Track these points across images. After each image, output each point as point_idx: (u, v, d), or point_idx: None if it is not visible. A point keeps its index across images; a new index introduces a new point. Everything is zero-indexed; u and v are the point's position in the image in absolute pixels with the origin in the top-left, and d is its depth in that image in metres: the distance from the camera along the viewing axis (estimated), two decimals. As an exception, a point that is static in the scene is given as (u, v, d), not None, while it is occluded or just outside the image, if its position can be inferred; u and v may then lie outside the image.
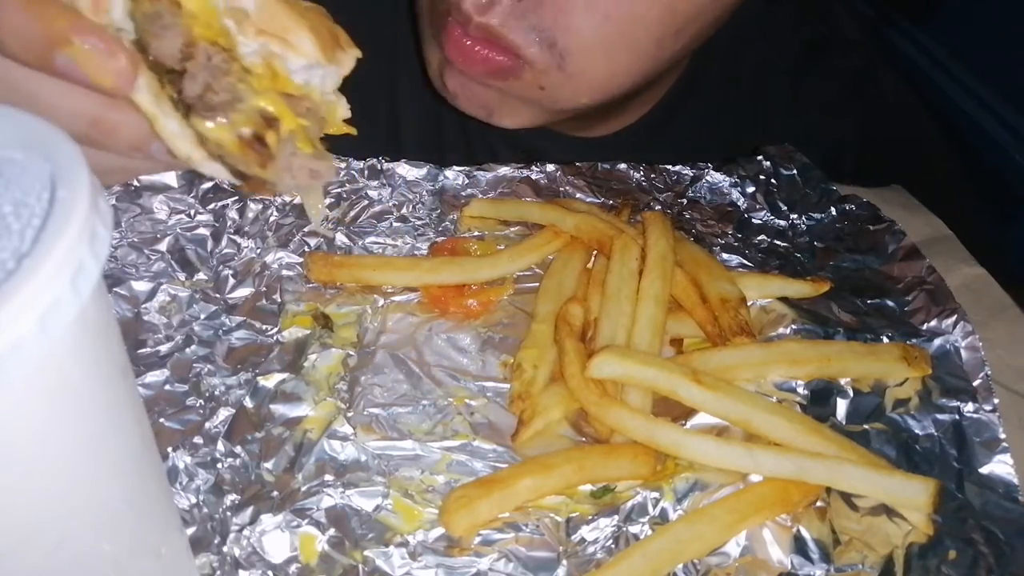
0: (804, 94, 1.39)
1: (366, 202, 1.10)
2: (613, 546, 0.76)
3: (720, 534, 0.76)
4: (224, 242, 1.02)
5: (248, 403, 0.85)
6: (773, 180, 1.19)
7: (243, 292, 0.98)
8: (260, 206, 1.07)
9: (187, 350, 0.90)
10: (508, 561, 0.74)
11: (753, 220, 1.15)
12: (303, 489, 0.78)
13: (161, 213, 1.03)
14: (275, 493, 0.78)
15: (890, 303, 1.01)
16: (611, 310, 0.92)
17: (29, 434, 0.44)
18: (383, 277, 1.00)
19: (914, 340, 0.95)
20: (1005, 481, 0.81)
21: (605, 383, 0.85)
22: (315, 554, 0.74)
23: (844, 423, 0.88)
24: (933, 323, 0.97)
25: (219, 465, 0.80)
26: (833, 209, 1.15)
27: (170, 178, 1.05)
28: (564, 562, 0.75)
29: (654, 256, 0.95)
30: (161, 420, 0.82)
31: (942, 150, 1.46)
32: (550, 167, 1.17)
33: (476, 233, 1.09)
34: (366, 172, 1.13)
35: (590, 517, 0.78)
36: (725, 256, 1.08)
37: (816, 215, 1.15)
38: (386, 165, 1.13)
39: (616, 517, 0.78)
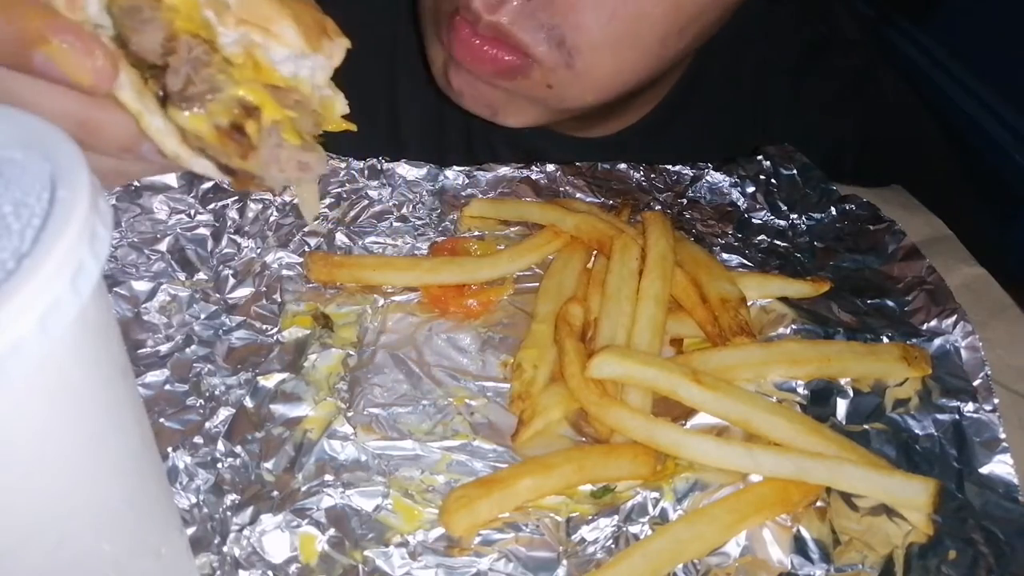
0: (804, 94, 1.40)
1: (366, 202, 1.10)
2: (613, 546, 0.76)
3: (720, 534, 0.76)
4: (224, 242, 1.02)
5: (248, 403, 0.85)
6: (773, 180, 1.19)
7: (243, 292, 0.98)
8: (260, 206, 1.07)
9: (187, 350, 0.90)
10: (508, 561, 0.74)
11: (753, 220, 1.15)
12: (303, 489, 0.78)
13: (161, 213, 1.03)
14: (275, 493, 0.78)
15: (890, 303, 1.01)
16: (611, 310, 0.92)
17: (29, 434, 0.44)
18: (383, 277, 1.00)
19: (914, 340, 0.95)
20: (1005, 481, 0.81)
21: (605, 383, 0.85)
22: (315, 554, 0.74)
23: (844, 423, 0.88)
24: (933, 323, 0.97)
25: (219, 465, 0.80)
26: (833, 209, 1.15)
27: (170, 178, 1.06)
28: (564, 562, 0.75)
29: (654, 256, 0.95)
30: (161, 420, 0.82)
31: (942, 150, 1.46)
32: (550, 167, 1.17)
33: (476, 233, 1.09)
34: (366, 172, 1.13)
35: (590, 517, 0.78)
36: (725, 256, 1.08)
37: (816, 215, 1.15)
38: (386, 165, 1.13)
39: (616, 517, 0.78)
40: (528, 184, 1.15)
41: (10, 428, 0.43)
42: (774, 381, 0.90)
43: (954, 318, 0.96)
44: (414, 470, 0.82)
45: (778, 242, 1.12)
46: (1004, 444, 0.84)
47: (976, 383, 0.90)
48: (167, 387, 0.86)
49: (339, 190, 1.10)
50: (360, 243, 1.06)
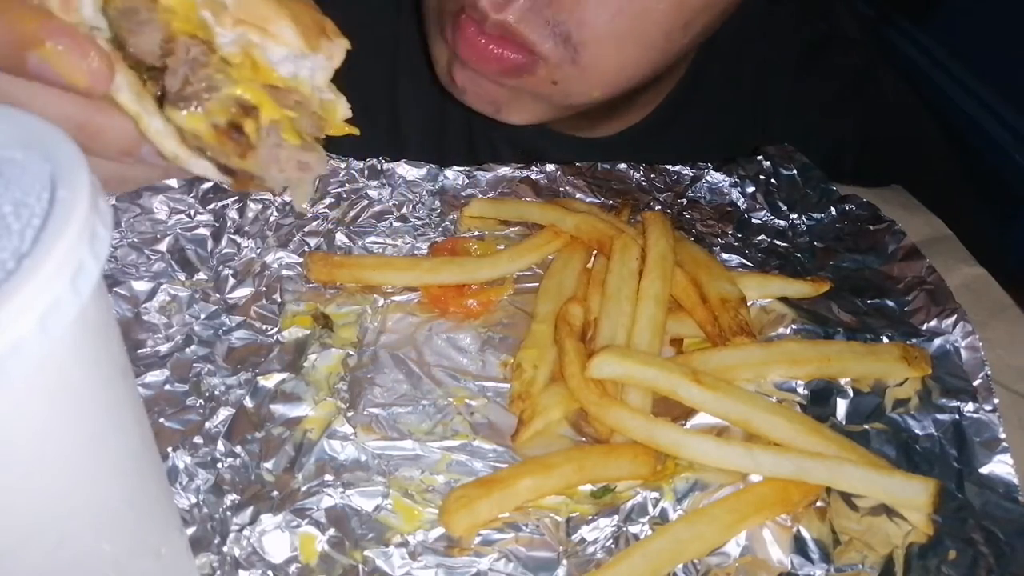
0: (804, 93, 1.40)
1: (366, 202, 1.10)
2: (613, 546, 0.76)
3: (720, 534, 0.76)
4: (224, 242, 1.02)
5: (248, 403, 0.85)
6: (773, 180, 1.19)
7: (243, 292, 0.98)
8: (260, 206, 1.07)
9: (187, 350, 0.90)
10: (508, 561, 0.74)
11: (753, 220, 1.15)
12: (303, 489, 0.78)
13: (161, 213, 1.03)
14: (275, 493, 0.78)
15: (890, 303, 1.01)
16: (611, 310, 0.92)
17: (29, 434, 0.44)
18: (383, 277, 1.00)
19: (914, 340, 0.95)
20: (1005, 481, 0.81)
21: (605, 383, 0.85)
22: (315, 554, 0.74)
23: (844, 423, 0.88)
24: (933, 323, 0.97)
25: (219, 465, 0.80)
26: (833, 209, 1.15)
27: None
28: (564, 562, 0.75)
29: (654, 256, 0.95)
30: (161, 420, 0.82)
31: (942, 150, 1.46)
32: (550, 167, 1.17)
33: (476, 233, 1.09)
34: (366, 172, 1.13)
35: (590, 517, 0.78)
36: (725, 256, 1.08)
37: (816, 215, 1.15)
38: (386, 165, 1.13)
39: (616, 517, 0.78)
40: (528, 184, 1.15)
41: (10, 428, 0.43)
42: (774, 381, 0.90)
43: (954, 318, 0.96)
44: (414, 470, 0.82)
45: (778, 242, 1.12)
46: (1004, 444, 0.84)
47: (976, 383, 0.90)
48: (167, 387, 0.86)
49: (339, 190, 1.10)
50: (360, 243, 1.06)
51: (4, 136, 0.46)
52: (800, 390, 0.90)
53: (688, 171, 1.20)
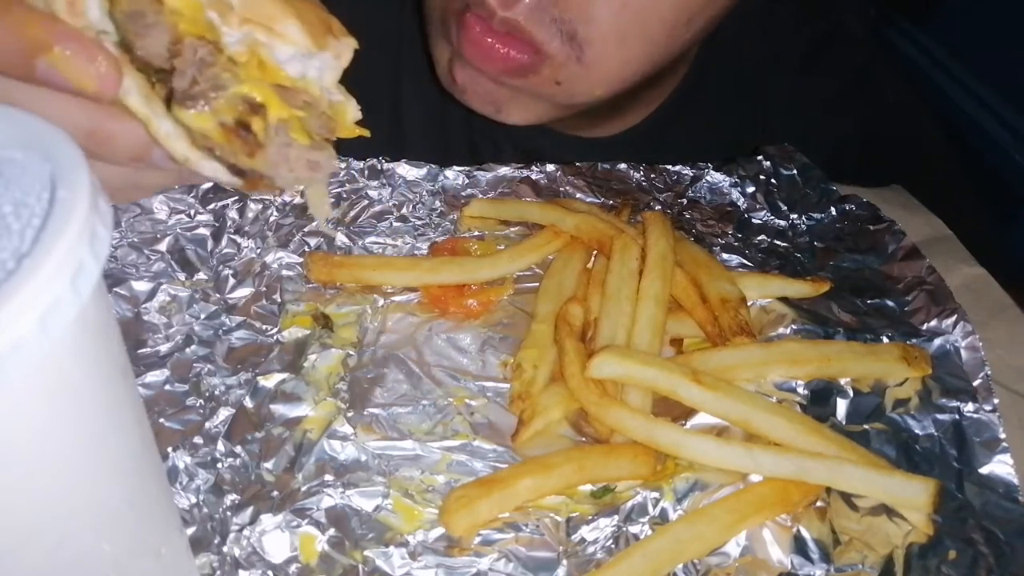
0: (806, 93, 1.40)
1: (366, 202, 1.10)
2: (613, 546, 0.76)
3: (720, 534, 0.76)
4: (224, 242, 1.02)
5: (248, 403, 0.85)
6: (773, 180, 1.19)
7: (243, 292, 0.98)
8: (260, 206, 1.07)
9: (187, 350, 0.90)
10: (508, 561, 0.74)
11: (753, 220, 1.15)
12: (303, 489, 0.78)
13: (161, 213, 1.03)
14: (275, 493, 0.78)
15: (890, 303, 1.01)
16: (611, 310, 0.92)
17: (29, 434, 0.44)
18: (383, 277, 1.00)
19: (914, 340, 0.95)
20: (1005, 481, 0.81)
21: (605, 383, 0.85)
22: (315, 554, 0.74)
23: (844, 423, 0.88)
24: (933, 323, 0.97)
25: (219, 465, 0.80)
26: (833, 209, 1.15)
27: (170, 178, 1.05)
28: (564, 562, 0.75)
29: (654, 256, 0.95)
30: (161, 420, 0.82)
31: (942, 149, 1.46)
32: (550, 167, 1.17)
33: (476, 233, 1.09)
34: (366, 172, 1.13)
35: (590, 517, 0.78)
36: (725, 256, 1.08)
37: (816, 215, 1.15)
38: (386, 165, 1.13)
39: (616, 517, 0.78)
40: (528, 184, 1.15)
41: (10, 428, 0.43)
42: (774, 381, 0.90)
43: (954, 318, 0.96)
44: (414, 470, 0.82)
45: (778, 242, 1.12)
46: (1004, 444, 0.84)
47: (976, 383, 0.90)
48: (167, 387, 0.86)
49: (339, 190, 1.10)
50: (360, 243, 1.06)
51: (4, 136, 0.46)
52: (800, 390, 0.90)
53: (688, 171, 1.20)
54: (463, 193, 1.13)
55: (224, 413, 0.84)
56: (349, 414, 0.85)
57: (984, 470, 0.82)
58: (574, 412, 0.88)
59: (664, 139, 1.35)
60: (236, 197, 1.06)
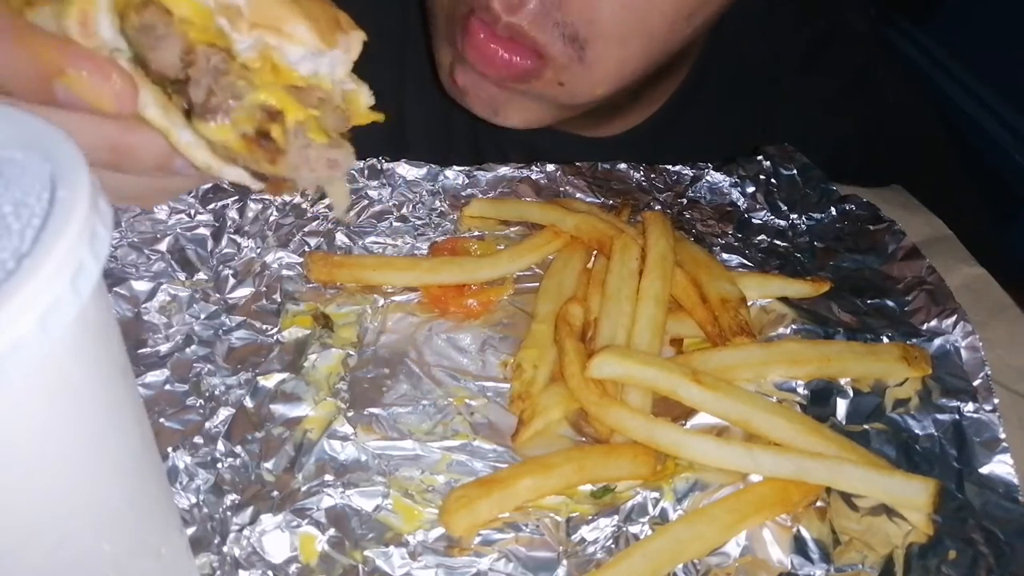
0: (807, 92, 1.40)
1: (366, 202, 1.10)
2: (613, 546, 0.76)
3: (720, 534, 0.76)
4: (224, 242, 1.02)
5: (248, 403, 0.85)
6: (773, 180, 1.19)
7: (243, 292, 0.98)
8: (260, 206, 1.07)
9: (187, 350, 0.90)
10: (508, 561, 0.74)
11: (753, 220, 1.15)
12: (303, 489, 0.78)
13: (161, 213, 1.03)
14: (275, 493, 0.78)
15: (890, 303, 1.01)
16: (611, 310, 0.92)
17: (29, 434, 0.44)
18: (383, 277, 1.00)
19: (914, 340, 0.95)
20: (1005, 481, 0.81)
21: (605, 383, 0.85)
22: (315, 554, 0.74)
23: (844, 423, 0.88)
24: (933, 323, 0.97)
25: (219, 465, 0.80)
26: (833, 209, 1.15)
27: (170, 178, 1.05)
28: (564, 562, 0.75)
29: (654, 256, 0.95)
30: (161, 420, 0.82)
31: (943, 149, 1.46)
32: (550, 167, 1.17)
33: (476, 233, 1.09)
34: (366, 172, 1.13)
35: (590, 517, 0.78)
36: (725, 256, 1.08)
37: (816, 215, 1.15)
38: (386, 165, 1.13)
39: (616, 517, 0.78)
40: (528, 184, 1.15)
41: (10, 428, 0.43)
42: (774, 381, 0.90)
43: (954, 318, 0.96)
44: (414, 470, 0.82)
45: (778, 242, 1.12)
46: (1004, 444, 0.84)
47: (976, 383, 0.90)
48: (167, 387, 0.86)
49: (339, 190, 1.10)
50: (360, 243, 1.06)
51: (4, 136, 0.46)
52: (800, 390, 0.90)
53: (688, 171, 1.20)
54: (463, 193, 1.13)
55: (224, 413, 0.84)
56: (349, 414, 0.85)
57: (984, 470, 0.82)
58: (574, 412, 0.88)
59: (666, 139, 1.35)
60: (236, 197, 1.06)
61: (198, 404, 0.85)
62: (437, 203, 1.11)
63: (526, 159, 1.19)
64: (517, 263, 1.02)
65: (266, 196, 1.06)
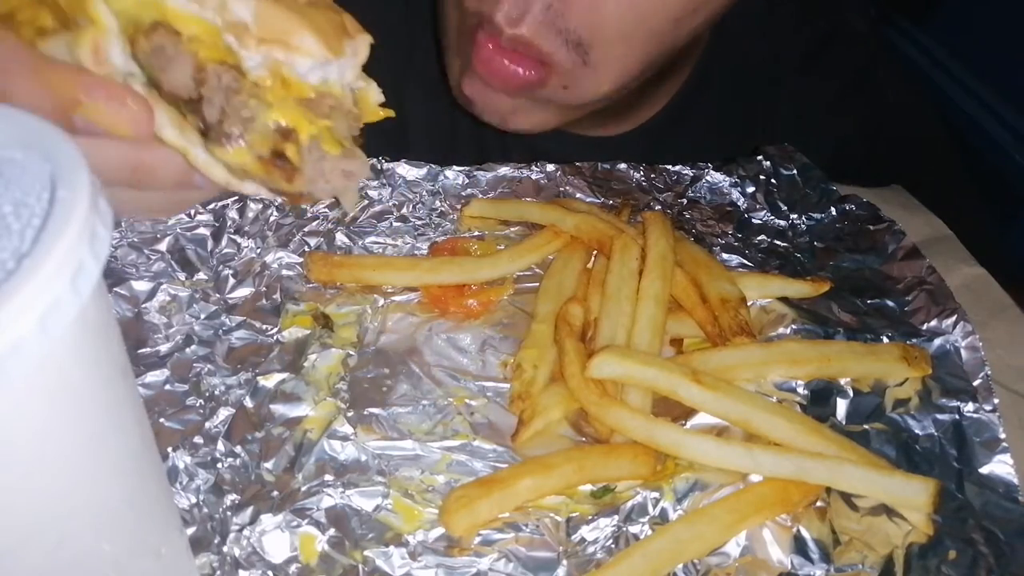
0: (806, 93, 1.40)
1: (366, 202, 1.10)
2: (613, 546, 0.76)
3: (720, 534, 0.76)
4: (224, 242, 1.02)
5: (248, 403, 0.85)
6: (773, 180, 1.19)
7: (243, 292, 0.98)
8: (260, 206, 1.07)
9: (187, 350, 0.90)
10: (508, 561, 0.74)
11: (753, 220, 1.15)
12: (303, 489, 0.78)
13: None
14: (275, 493, 0.78)
15: (890, 303, 1.01)
16: (611, 310, 0.92)
17: (29, 434, 0.44)
18: (383, 277, 1.00)
19: (914, 340, 0.95)
20: (1005, 481, 0.81)
21: (605, 383, 0.85)
22: (315, 554, 0.74)
23: (844, 423, 0.88)
24: (933, 323, 0.97)
25: (219, 465, 0.80)
26: (833, 209, 1.15)
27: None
28: (564, 562, 0.75)
29: (654, 256, 0.95)
30: (161, 420, 0.82)
31: (943, 149, 1.46)
32: (550, 167, 1.17)
33: (476, 233, 1.09)
34: (366, 172, 1.12)
35: (590, 517, 0.78)
36: (725, 256, 1.08)
37: (816, 215, 1.15)
38: (386, 165, 1.13)
39: (616, 517, 0.78)
40: (528, 184, 1.15)
41: (10, 428, 0.43)
42: (774, 381, 0.90)
43: (954, 318, 0.96)
44: (414, 470, 0.82)
45: (778, 242, 1.12)
46: (1004, 444, 0.84)
47: (976, 383, 0.90)
48: (167, 387, 0.86)
49: (339, 190, 1.10)
50: (360, 243, 1.06)
51: (4, 136, 0.46)
52: (800, 390, 0.90)
53: (688, 171, 1.20)
54: (463, 193, 1.13)
55: (224, 413, 0.84)
56: (349, 414, 0.85)
57: (984, 470, 0.82)
58: (574, 412, 0.88)
59: (666, 139, 1.35)
60: (236, 197, 1.06)
61: (198, 404, 0.85)
62: (437, 203, 1.12)
63: (528, 159, 1.19)
64: (517, 263, 1.02)
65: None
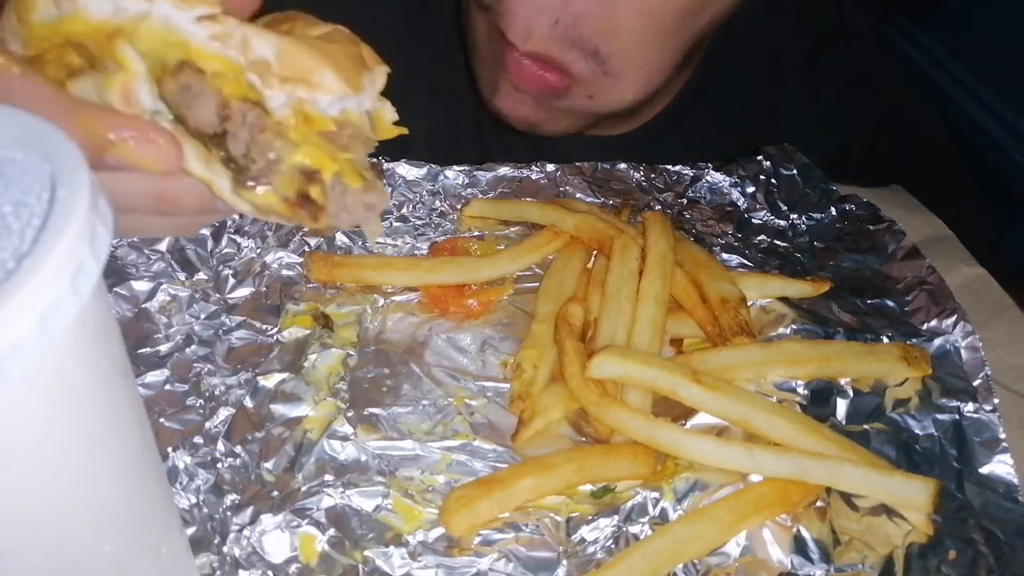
0: (807, 92, 1.40)
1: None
2: (613, 546, 0.76)
3: (720, 534, 0.76)
4: (224, 242, 1.02)
5: (248, 403, 0.85)
6: (773, 180, 1.19)
7: (243, 292, 0.98)
8: (260, 206, 1.07)
9: (187, 350, 0.90)
10: (508, 561, 0.74)
11: (753, 220, 1.15)
12: (303, 489, 0.78)
13: (161, 213, 1.03)
14: (275, 493, 0.78)
15: (890, 303, 1.01)
16: (611, 310, 0.92)
17: (29, 434, 0.44)
18: (383, 277, 1.00)
19: (914, 340, 0.95)
20: (1005, 481, 0.81)
21: (605, 383, 0.85)
22: (315, 554, 0.74)
23: (844, 423, 0.88)
24: (933, 323, 0.97)
25: (219, 465, 0.80)
26: (833, 209, 1.15)
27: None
28: (564, 562, 0.75)
29: (654, 256, 0.95)
30: (161, 420, 0.82)
31: (943, 149, 1.46)
32: (550, 167, 1.17)
33: (476, 233, 1.09)
34: (366, 172, 1.12)
35: (590, 517, 0.78)
36: (725, 256, 1.08)
37: (816, 215, 1.15)
38: (386, 165, 1.13)
39: (616, 517, 0.78)
40: (528, 184, 1.15)
41: (10, 428, 0.43)
42: (774, 381, 0.90)
43: (954, 318, 0.96)
44: (414, 470, 0.82)
45: (778, 242, 1.12)
46: (1004, 444, 0.83)
47: (976, 383, 0.90)
48: (167, 387, 0.86)
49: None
50: (360, 243, 1.06)
51: (4, 136, 0.46)
52: (800, 390, 0.90)
53: (688, 171, 1.20)
54: (463, 193, 1.13)
55: (224, 413, 0.84)
56: (349, 414, 0.85)
57: (984, 470, 0.82)
58: (574, 412, 0.88)
59: (667, 138, 1.35)
60: (236, 197, 1.06)
61: (198, 404, 0.85)
62: (437, 203, 1.12)
63: (528, 159, 1.19)
64: (517, 263, 1.02)
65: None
